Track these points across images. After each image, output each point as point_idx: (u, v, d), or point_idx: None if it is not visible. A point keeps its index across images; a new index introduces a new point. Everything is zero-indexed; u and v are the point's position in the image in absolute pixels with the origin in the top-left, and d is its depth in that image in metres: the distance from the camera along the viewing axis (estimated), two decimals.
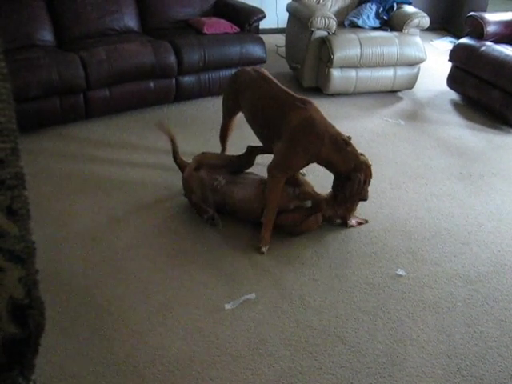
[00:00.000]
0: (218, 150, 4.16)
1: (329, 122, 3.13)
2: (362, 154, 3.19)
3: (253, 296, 2.70)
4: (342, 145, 3.04)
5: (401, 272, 2.96)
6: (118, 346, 2.40)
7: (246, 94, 3.41)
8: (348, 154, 3.05)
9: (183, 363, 2.33)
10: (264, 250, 3.03)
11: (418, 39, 5.33)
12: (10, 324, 0.86)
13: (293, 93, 3.25)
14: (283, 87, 3.31)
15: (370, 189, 3.74)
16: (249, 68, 3.60)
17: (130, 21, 5.09)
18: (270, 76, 3.45)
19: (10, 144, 0.85)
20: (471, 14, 5.42)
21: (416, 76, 5.44)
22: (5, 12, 4.48)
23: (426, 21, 5.35)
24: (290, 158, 3.03)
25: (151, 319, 2.56)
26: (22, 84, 4.02)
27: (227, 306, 2.64)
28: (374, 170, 3.99)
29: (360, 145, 4.38)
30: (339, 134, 3.11)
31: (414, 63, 5.32)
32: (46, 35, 4.65)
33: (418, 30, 5.43)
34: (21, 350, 0.90)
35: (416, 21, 5.32)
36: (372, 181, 3.82)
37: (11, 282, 0.85)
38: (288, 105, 3.10)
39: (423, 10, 5.53)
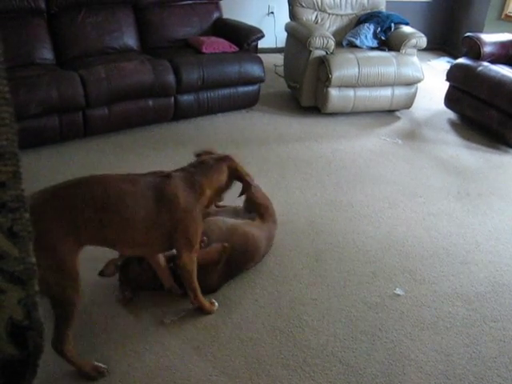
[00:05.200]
0: None
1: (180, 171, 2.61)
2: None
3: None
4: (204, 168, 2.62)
5: (399, 291, 2.95)
6: (114, 365, 2.38)
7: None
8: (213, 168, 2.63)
9: (180, 382, 2.31)
10: (216, 305, 2.75)
11: (415, 59, 5.37)
12: (8, 345, 0.86)
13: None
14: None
15: (368, 208, 3.76)
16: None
17: (130, 39, 5.13)
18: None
19: (12, 167, 0.86)
20: (468, 34, 5.47)
21: (414, 95, 5.47)
22: (5, 30, 4.51)
23: (423, 41, 5.40)
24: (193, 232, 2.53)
25: (148, 338, 2.54)
26: (21, 102, 4.03)
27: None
28: (371, 188, 4.02)
29: (357, 164, 4.42)
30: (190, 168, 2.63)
31: (411, 83, 5.35)
32: (46, 54, 4.69)
33: (415, 50, 5.47)
34: (19, 371, 0.89)
35: (413, 41, 5.37)
36: (370, 200, 3.85)
37: (11, 303, 0.85)
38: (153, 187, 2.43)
39: (421, 31, 5.58)
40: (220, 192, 2.67)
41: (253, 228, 3.02)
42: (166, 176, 2.47)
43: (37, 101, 4.10)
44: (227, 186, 2.69)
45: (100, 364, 2.35)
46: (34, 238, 2.03)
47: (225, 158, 2.69)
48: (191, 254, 2.52)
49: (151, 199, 2.36)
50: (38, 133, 4.25)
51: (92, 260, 3.03)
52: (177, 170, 2.59)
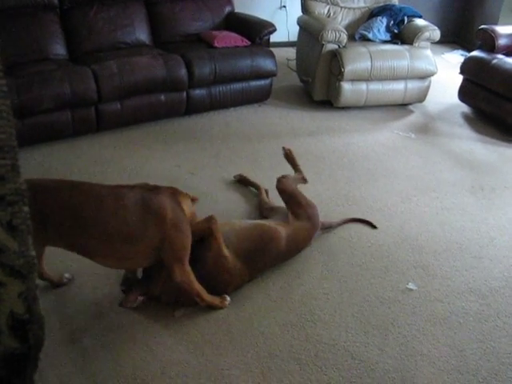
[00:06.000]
0: (228, 163, 4.17)
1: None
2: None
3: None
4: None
5: (411, 286, 2.93)
6: (126, 359, 2.39)
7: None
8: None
9: (191, 376, 2.31)
10: (228, 299, 2.75)
11: (428, 52, 5.33)
12: (10, 338, 0.87)
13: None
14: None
15: (381, 203, 3.74)
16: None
17: (142, 34, 5.14)
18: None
19: (11, 160, 0.86)
20: (482, 26, 5.42)
21: (427, 89, 5.43)
22: (19, 26, 4.54)
23: (436, 34, 5.35)
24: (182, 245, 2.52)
25: (159, 332, 2.55)
26: (34, 97, 4.06)
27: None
28: (384, 183, 4.00)
29: (370, 158, 4.39)
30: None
31: (424, 76, 5.31)
32: (59, 49, 4.71)
33: (428, 43, 5.42)
34: (21, 365, 0.90)
35: (427, 34, 5.32)
36: (382, 194, 3.83)
37: (11, 297, 0.86)
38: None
39: (434, 23, 5.53)
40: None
41: (276, 225, 2.98)
42: (153, 188, 2.48)
43: (49, 96, 4.12)
44: None
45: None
46: None
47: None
48: (183, 266, 2.50)
49: (137, 213, 2.37)
50: (50, 128, 4.27)
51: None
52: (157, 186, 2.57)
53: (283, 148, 3.56)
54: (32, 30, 4.57)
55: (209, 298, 2.64)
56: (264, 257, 2.87)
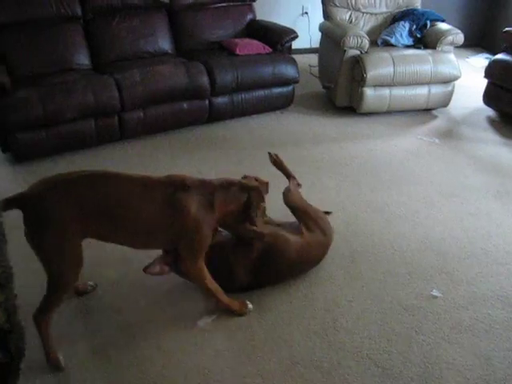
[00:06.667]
0: (250, 171, 4.16)
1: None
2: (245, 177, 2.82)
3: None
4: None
5: (436, 293, 2.89)
6: (149, 365, 2.40)
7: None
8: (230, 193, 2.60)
9: (213, 383, 2.32)
10: (249, 306, 2.73)
11: (452, 56, 5.27)
12: None
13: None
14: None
15: (404, 209, 3.70)
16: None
17: (164, 43, 5.18)
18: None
19: None
20: (507, 29, 5.34)
21: (451, 93, 5.37)
22: (43, 37, 4.62)
23: (460, 38, 5.29)
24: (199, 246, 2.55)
25: (182, 339, 2.56)
26: (58, 107, 4.11)
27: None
28: (407, 189, 3.96)
29: (394, 164, 4.36)
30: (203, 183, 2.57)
31: (448, 81, 5.25)
32: (83, 59, 4.77)
33: (452, 47, 5.36)
34: (3, 375, 0.90)
35: (450, 38, 5.26)
36: (406, 200, 3.79)
37: None
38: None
39: (457, 27, 5.45)
40: (234, 218, 2.63)
41: (288, 235, 2.93)
42: (184, 188, 2.46)
43: (73, 105, 4.17)
44: (240, 214, 2.64)
45: (62, 358, 2.38)
46: (44, 218, 2.10)
47: (250, 189, 2.64)
48: (195, 262, 2.53)
49: (161, 206, 2.40)
50: (74, 136, 4.33)
51: (132, 260, 3.07)
52: (203, 182, 2.56)
53: (269, 153, 3.43)
54: (56, 41, 4.65)
55: (226, 299, 2.66)
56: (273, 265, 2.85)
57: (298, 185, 3.37)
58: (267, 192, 2.75)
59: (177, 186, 2.45)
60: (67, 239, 2.26)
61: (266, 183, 2.77)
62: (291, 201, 3.17)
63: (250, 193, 2.61)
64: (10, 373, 0.91)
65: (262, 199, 2.70)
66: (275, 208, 3.11)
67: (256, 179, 2.77)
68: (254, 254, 2.77)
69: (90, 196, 2.29)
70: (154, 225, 2.43)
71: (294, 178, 3.37)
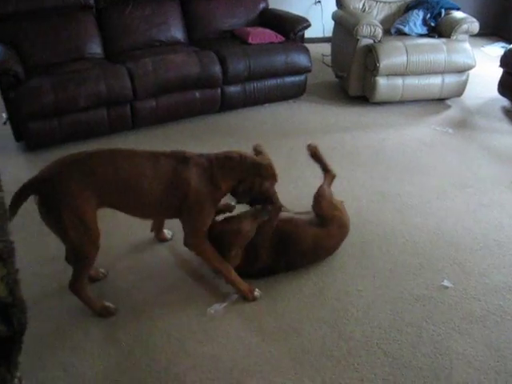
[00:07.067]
0: None
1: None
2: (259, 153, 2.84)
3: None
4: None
5: (447, 283, 2.88)
6: (159, 353, 2.41)
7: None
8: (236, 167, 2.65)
9: (223, 371, 2.32)
10: (257, 293, 2.75)
11: (466, 45, 5.22)
12: None
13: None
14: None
15: (416, 199, 3.68)
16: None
17: (177, 32, 5.18)
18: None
19: None
20: None
21: (465, 83, 5.32)
22: (56, 26, 4.63)
23: (475, 26, 5.23)
24: (200, 220, 2.64)
25: (192, 326, 2.57)
26: (71, 95, 4.13)
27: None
28: (420, 179, 3.94)
29: (406, 154, 4.34)
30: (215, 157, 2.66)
31: (462, 70, 5.20)
32: (95, 48, 4.79)
33: (467, 36, 5.30)
34: (7, 348, 0.92)
35: (465, 26, 5.21)
36: (418, 190, 3.77)
37: None
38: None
39: (473, 16, 5.39)
40: (244, 193, 2.71)
41: (301, 220, 2.96)
42: (185, 160, 2.56)
43: (86, 94, 4.19)
44: (245, 191, 2.69)
45: (109, 304, 2.64)
46: (60, 196, 2.20)
47: (259, 168, 2.68)
48: (196, 237, 2.65)
49: (166, 179, 2.51)
50: (87, 125, 4.35)
51: (143, 249, 3.10)
52: (201, 156, 2.64)
53: (309, 145, 3.25)
54: (68, 30, 4.66)
55: (233, 275, 2.71)
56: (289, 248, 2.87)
57: (333, 177, 3.21)
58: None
59: (178, 159, 2.55)
60: (84, 212, 2.36)
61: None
62: (320, 208, 3.02)
63: (261, 168, 2.68)
64: (13, 346, 0.92)
65: (274, 177, 2.75)
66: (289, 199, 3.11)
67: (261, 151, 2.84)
68: (276, 238, 2.80)
69: (100, 170, 2.41)
70: (160, 196, 2.53)
71: (331, 171, 3.21)
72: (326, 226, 2.97)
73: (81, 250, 2.43)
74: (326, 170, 3.22)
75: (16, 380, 0.99)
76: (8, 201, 0.81)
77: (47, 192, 2.32)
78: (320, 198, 3.03)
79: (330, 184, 3.18)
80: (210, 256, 2.68)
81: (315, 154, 3.24)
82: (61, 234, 2.39)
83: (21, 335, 0.92)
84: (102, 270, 2.90)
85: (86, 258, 2.47)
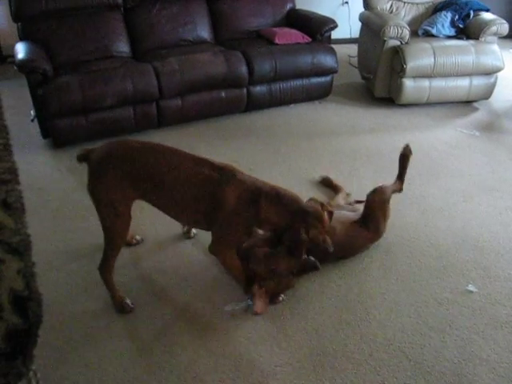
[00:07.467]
0: (287, 159, 4.17)
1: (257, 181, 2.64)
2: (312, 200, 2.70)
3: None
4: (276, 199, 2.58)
5: (471, 288, 2.85)
6: (181, 352, 2.43)
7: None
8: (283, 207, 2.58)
9: (244, 371, 2.33)
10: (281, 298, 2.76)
11: (495, 47, 5.15)
12: (13, 315, 0.90)
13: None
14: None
15: (442, 202, 3.65)
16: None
17: (203, 31, 5.20)
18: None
19: (2, 140, 0.91)
20: None
21: (493, 85, 5.25)
22: (85, 25, 4.70)
23: (504, 28, 5.16)
24: (230, 236, 2.64)
25: (214, 326, 2.58)
26: (97, 94, 4.18)
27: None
28: (445, 181, 3.90)
29: (432, 156, 4.30)
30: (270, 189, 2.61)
31: (490, 72, 5.14)
32: (123, 47, 4.83)
33: (495, 38, 5.23)
34: (23, 341, 0.94)
35: (494, 28, 5.14)
36: (443, 193, 3.73)
37: (11, 273, 0.90)
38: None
39: (502, 17, 5.32)
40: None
41: (343, 216, 3.03)
42: (233, 178, 2.55)
43: (112, 93, 4.23)
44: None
45: (128, 302, 2.67)
46: (100, 177, 2.39)
47: (306, 215, 2.56)
48: (221, 245, 2.66)
49: (203, 188, 2.52)
50: (113, 123, 4.40)
51: (158, 246, 3.11)
52: (251, 178, 2.62)
53: (407, 146, 3.27)
54: (97, 29, 4.72)
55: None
56: None
57: (400, 190, 3.27)
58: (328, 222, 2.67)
59: (225, 173, 2.56)
60: (119, 198, 2.50)
61: (331, 212, 2.73)
62: (373, 201, 3.06)
63: (308, 215, 2.56)
64: (29, 339, 0.94)
65: (322, 231, 2.60)
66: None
67: (321, 205, 2.67)
68: None
69: (142, 163, 2.50)
70: (194, 201, 2.55)
71: (403, 180, 3.29)
72: (364, 224, 3.01)
73: (109, 232, 2.56)
74: (400, 177, 3.28)
75: (31, 373, 1.01)
76: (26, 195, 0.84)
77: (91, 166, 2.52)
78: (378, 192, 3.10)
79: (393, 191, 3.20)
80: (232, 267, 2.75)
81: (405, 157, 3.27)
82: (98, 211, 2.53)
83: (36, 328, 0.94)
84: (138, 237, 3.13)
85: (115, 240, 2.59)
